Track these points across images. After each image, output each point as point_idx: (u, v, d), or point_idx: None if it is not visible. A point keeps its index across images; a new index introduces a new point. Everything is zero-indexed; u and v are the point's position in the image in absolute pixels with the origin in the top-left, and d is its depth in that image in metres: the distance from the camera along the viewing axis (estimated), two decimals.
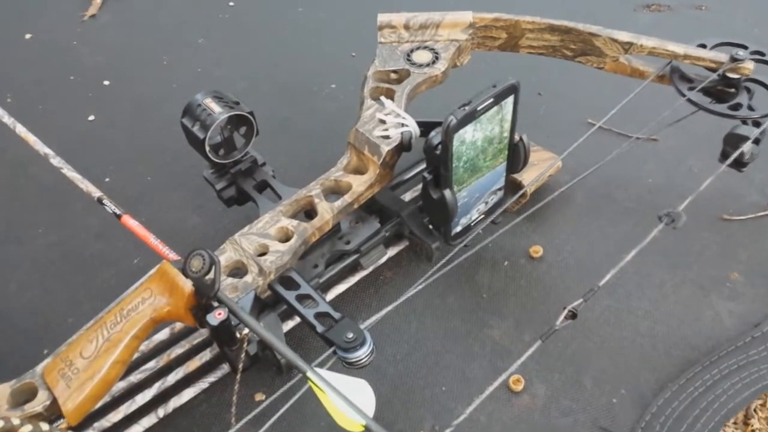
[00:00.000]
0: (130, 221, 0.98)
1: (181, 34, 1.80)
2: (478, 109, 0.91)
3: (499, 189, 1.08)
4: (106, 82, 1.65)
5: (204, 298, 0.84)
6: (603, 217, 1.25)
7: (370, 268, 1.13)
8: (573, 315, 0.82)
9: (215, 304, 0.85)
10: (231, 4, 1.91)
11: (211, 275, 0.83)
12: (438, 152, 0.93)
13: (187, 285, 0.83)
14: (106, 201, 1.01)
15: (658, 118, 1.10)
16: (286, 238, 0.98)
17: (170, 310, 0.85)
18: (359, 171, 1.06)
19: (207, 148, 1.05)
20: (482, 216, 1.08)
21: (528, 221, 1.22)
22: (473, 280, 1.16)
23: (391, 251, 1.15)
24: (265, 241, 0.97)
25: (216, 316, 0.83)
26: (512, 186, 1.15)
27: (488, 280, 1.16)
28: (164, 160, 1.43)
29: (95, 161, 1.43)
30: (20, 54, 1.77)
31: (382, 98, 1.09)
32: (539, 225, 1.24)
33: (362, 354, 0.86)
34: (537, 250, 1.18)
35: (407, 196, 1.22)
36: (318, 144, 1.42)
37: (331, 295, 1.10)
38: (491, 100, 0.91)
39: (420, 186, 1.18)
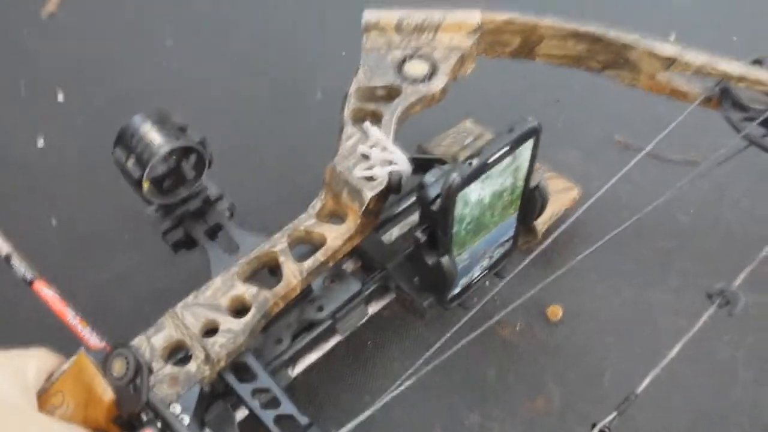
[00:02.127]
0: (43, 290, 0.78)
1: (147, 34, 1.58)
2: (489, 162, 0.70)
3: (507, 240, 0.87)
4: (60, 97, 1.44)
5: (129, 409, 0.65)
6: (636, 266, 1.04)
7: (347, 333, 0.91)
8: None
9: (144, 416, 0.66)
10: None
11: (137, 382, 0.64)
12: (435, 208, 0.72)
13: (107, 393, 0.64)
14: (14, 261, 0.81)
15: (707, 146, 0.90)
16: (241, 310, 0.78)
17: (86, 420, 0.66)
18: (336, 216, 0.86)
19: (144, 189, 0.85)
20: (485, 272, 0.88)
21: (542, 268, 1.01)
22: (477, 354, 0.95)
23: (374, 306, 0.94)
24: (214, 315, 0.77)
25: None
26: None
27: (497, 356, 0.95)
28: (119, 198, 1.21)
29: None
30: None
31: (367, 125, 0.87)
32: (556, 273, 1.03)
33: None
34: (555, 312, 0.98)
35: (394, 233, 1.01)
36: (292, 170, 1.21)
37: (300, 366, 0.89)
38: (506, 148, 0.70)
39: (410, 224, 0.99)
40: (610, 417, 0.62)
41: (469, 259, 0.82)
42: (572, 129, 1.25)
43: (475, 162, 0.68)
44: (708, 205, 1.14)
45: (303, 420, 0.71)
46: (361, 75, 0.94)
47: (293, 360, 0.88)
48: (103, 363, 0.65)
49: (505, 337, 1.00)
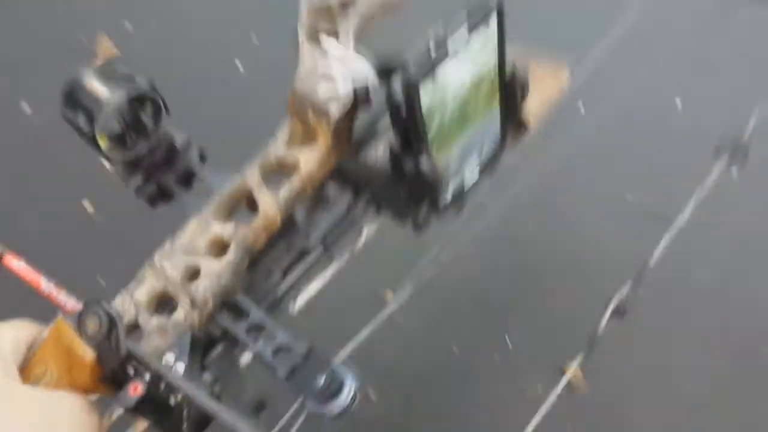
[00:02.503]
0: (13, 262, 0.74)
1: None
2: (450, 49, 0.64)
3: (495, 135, 0.81)
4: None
5: (111, 365, 0.61)
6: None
7: (345, 256, 0.87)
8: None
9: (131, 371, 0.62)
10: None
11: (113, 336, 0.61)
12: (401, 107, 0.66)
13: (87, 353, 0.61)
14: None
15: None
16: (221, 250, 0.74)
17: (73, 385, 0.63)
18: (307, 141, 0.80)
19: (102, 145, 0.79)
20: (477, 171, 0.82)
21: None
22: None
23: (370, 227, 0.89)
24: (194, 259, 0.73)
25: (131, 393, 0.61)
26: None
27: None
28: None
29: None
30: None
31: (323, 40, 0.81)
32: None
33: (341, 403, 0.65)
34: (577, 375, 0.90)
35: (379, 150, 0.94)
36: (261, 110, 1.14)
37: (303, 299, 0.85)
38: (464, 31, 0.64)
39: None
40: None
41: (458, 158, 0.77)
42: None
43: (431, 49, 0.63)
44: None
45: (301, 347, 0.67)
46: None
47: (291, 293, 0.84)
48: (77, 323, 0.61)
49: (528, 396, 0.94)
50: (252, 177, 0.77)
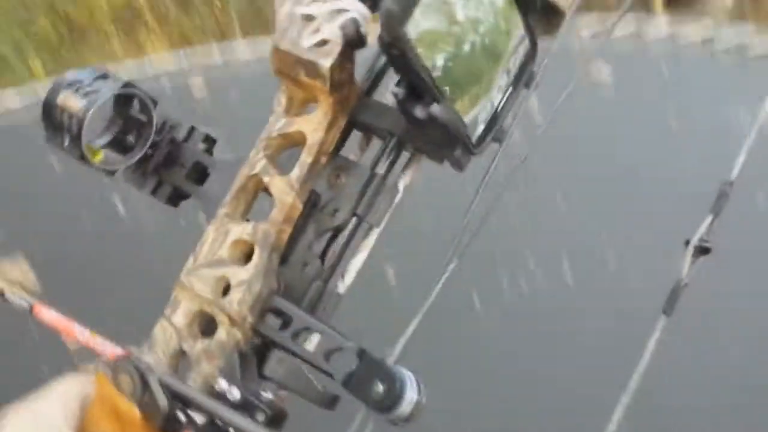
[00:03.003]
0: (44, 313, 0.71)
1: None
2: None
3: (522, 43, 0.69)
4: None
5: (157, 420, 0.57)
6: None
7: (384, 220, 0.77)
8: None
9: (183, 416, 0.58)
10: None
11: (150, 389, 0.57)
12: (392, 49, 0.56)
13: (134, 411, 0.57)
14: (8, 294, 0.73)
15: None
16: (246, 255, 0.67)
17: None
18: (310, 104, 0.71)
19: (96, 160, 0.73)
20: (509, 90, 0.71)
21: None
22: None
23: (404, 179, 0.78)
24: (220, 271, 0.66)
25: None
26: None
27: None
28: None
29: None
30: None
31: None
32: None
33: (404, 410, 0.59)
34: None
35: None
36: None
37: (350, 276, 0.76)
38: None
39: None
40: None
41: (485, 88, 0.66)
42: None
43: None
44: None
45: (350, 346, 0.62)
46: None
47: (335, 275, 0.76)
48: (113, 382, 0.57)
49: None
50: (258, 161, 0.68)
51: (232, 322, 0.65)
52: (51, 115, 0.71)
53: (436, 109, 0.60)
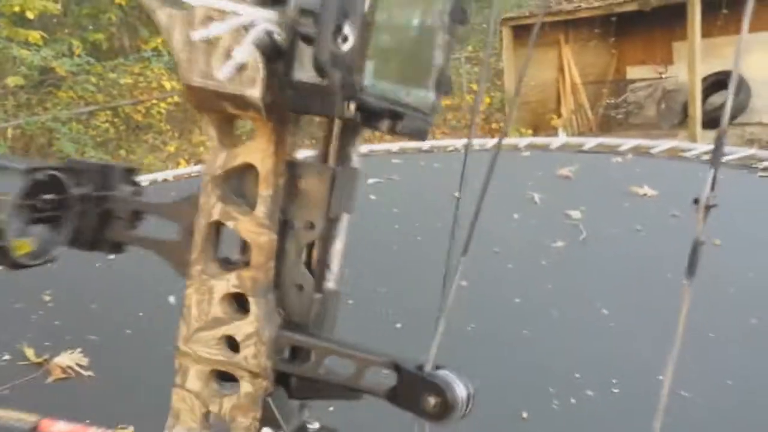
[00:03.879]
0: (51, 428, 0.67)
1: None
2: None
3: None
4: None
5: None
6: None
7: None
8: None
9: None
10: None
11: None
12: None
13: None
14: (7, 421, 0.69)
15: None
16: (241, 306, 0.63)
17: None
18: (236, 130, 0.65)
19: (23, 251, 0.66)
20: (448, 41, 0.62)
21: None
22: None
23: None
24: (221, 330, 0.62)
25: None
26: None
27: None
28: None
29: None
30: None
31: None
32: None
33: (461, 410, 0.57)
34: None
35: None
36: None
37: (336, 261, 0.69)
38: None
39: None
40: None
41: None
42: None
43: None
44: None
45: (386, 363, 0.60)
46: None
47: (322, 274, 0.69)
48: None
49: None
50: (213, 206, 0.62)
51: (253, 374, 0.62)
52: None
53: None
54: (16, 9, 8.79)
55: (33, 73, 9.00)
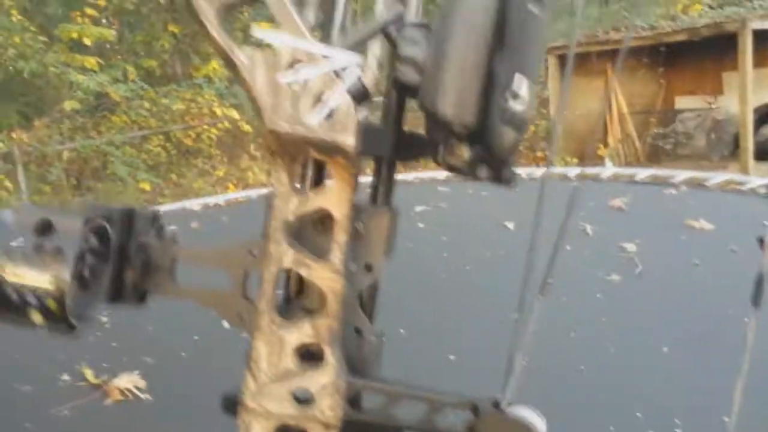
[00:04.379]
0: None
1: None
2: None
3: None
4: None
5: None
6: None
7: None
8: None
9: None
10: None
11: None
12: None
13: None
14: None
15: None
16: (315, 357, 0.61)
17: None
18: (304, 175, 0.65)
19: (55, 309, 0.64)
20: None
21: None
22: None
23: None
24: (293, 383, 0.60)
25: None
26: None
27: None
28: None
29: None
30: None
31: (266, 36, 0.58)
32: None
33: None
34: None
35: None
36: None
37: None
38: None
39: None
40: None
41: None
42: None
43: None
44: None
45: (462, 403, 0.59)
46: None
47: (372, 316, 0.69)
48: None
49: None
50: (284, 254, 0.61)
51: (327, 426, 0.59)
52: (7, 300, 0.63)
53: None
54: (74, 35, 9.11)
55: (89, 97, 9.27)
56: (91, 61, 9.12)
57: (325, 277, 0.60)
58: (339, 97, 0.56)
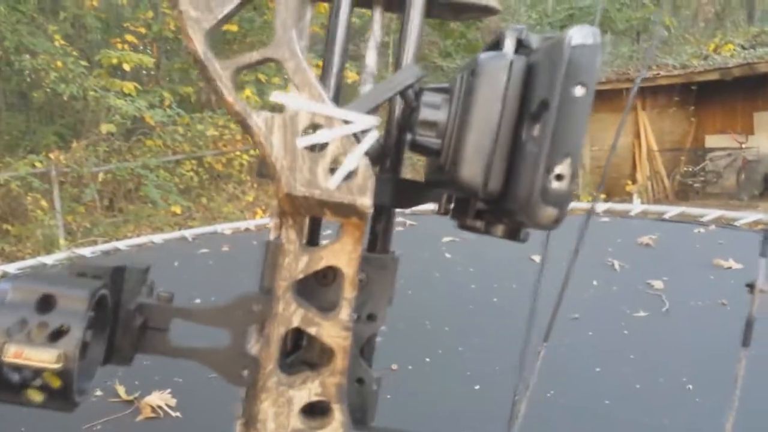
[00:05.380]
0: None
1: None
2: None
3: None
4: None
5: None
6: None
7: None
8: None
9: None
10: None
11: None
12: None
13: None
14: None
15: None
16: (323, 415, 0.62)
17: None
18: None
19: (57, 385, 0.57)
20: None
21: None
22: None
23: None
24: None
25: None
26: None
27: None
28: None
29: None
30: None
31: (276, 95, 0.58)
32: None
33: None
34: None
35: None
36: None
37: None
38: None
39: None
40: None
41: None
42: None
43: None
44: None
45: None
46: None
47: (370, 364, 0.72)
48: None
49: None
50: (292, 314, 0.61)
51: None
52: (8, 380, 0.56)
53: None
54: (114, 61, 9.39)
55: (126, 121, 9.49)
56: (129, 87, 9.37)
57: (335, 335, 0.60)
58: (358, 160, 0.57)
